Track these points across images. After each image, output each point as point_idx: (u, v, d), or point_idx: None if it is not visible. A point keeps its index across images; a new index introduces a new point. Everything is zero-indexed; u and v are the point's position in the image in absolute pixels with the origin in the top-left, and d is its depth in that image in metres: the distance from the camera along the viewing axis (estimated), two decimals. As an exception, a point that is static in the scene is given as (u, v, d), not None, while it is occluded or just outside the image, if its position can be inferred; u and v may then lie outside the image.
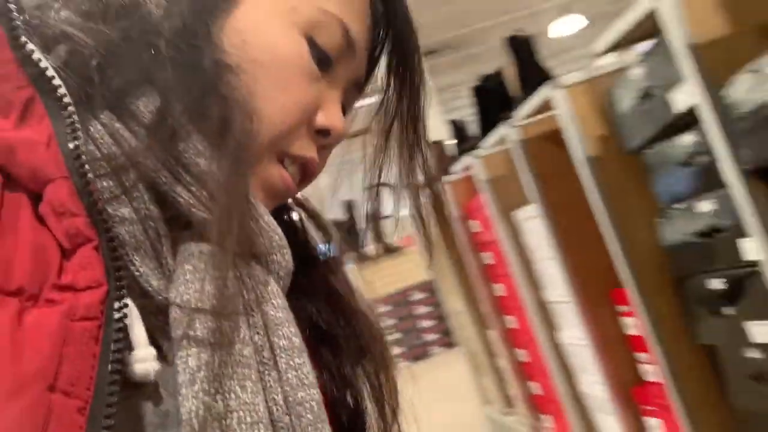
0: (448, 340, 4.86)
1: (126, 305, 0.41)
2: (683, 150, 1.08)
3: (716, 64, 0.92)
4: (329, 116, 0.56)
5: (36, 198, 0.42)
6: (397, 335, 5.22)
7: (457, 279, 2.38)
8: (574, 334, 1.66)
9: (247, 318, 0.45)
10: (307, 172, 0.57)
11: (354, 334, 0.61)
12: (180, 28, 0.48)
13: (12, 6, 0.45)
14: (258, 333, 0.45)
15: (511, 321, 2.07)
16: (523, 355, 2.07)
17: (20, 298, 0.38)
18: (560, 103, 1.27)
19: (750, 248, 0.96)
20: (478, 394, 2.62)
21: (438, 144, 2.45)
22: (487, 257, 2.08)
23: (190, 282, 0.44)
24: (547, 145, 1.48)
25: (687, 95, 0.97)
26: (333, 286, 0.62)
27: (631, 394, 1.50)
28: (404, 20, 0.62)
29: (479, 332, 2.40)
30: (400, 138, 0.62)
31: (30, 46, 0.44)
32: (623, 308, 1.46)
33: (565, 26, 5.75)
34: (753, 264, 0.96)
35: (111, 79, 0.47)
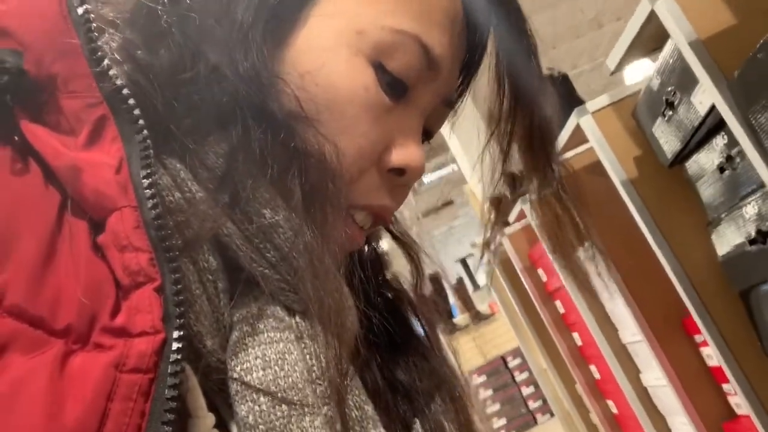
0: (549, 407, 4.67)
1: (183, 359, 0.37)
2: (718, 153, 1.01)
3: (727, 57, 0.87)
4: (405, 153, 0.49)
5: (95, 226, 0.39)
6: (496, 406, 5.03)
7: (536, 334, 2.29)
8: (655, 375, 1.55)
9: (314, 387, 0.41)
10: (378, 219, 0.51)
11: (435, 384, 0.55)
12: (242, 66, 0.43)
13: (91, 16, 0.41)
14: (327, 404, 0.41)
15: (594, 371, 1.96)
16: (612, 406, 1.94)
17: (66, 340, 0.35)
18: (589, 129, 1.23)
19: (802, 246, 0.88)
20: (579, 457, 2.47)
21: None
22: (559, 306, 1.99)
23: (254, 354, 0.40)
24: (592, 178, 1.43)
25: (706, 95, 0.91)
26: (412, 333, 0.57)
27: (724, 431, 1.38)
28: (514, 17, 0.52)
29: (567, 389, 2.29)
30: (526, 154, 0.55)
31: (107, 61, 0.41)
32: (699, 338, 1.36)
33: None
34: (809, 263, 0.88)
35: (177, 120, 0.43)
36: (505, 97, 0.53)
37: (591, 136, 1.23)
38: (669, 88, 1.02)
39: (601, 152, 1.23)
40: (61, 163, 0.39)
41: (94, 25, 0.41)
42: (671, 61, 0.98)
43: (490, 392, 5.03)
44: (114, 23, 0.45)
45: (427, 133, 0.55)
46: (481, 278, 5.64)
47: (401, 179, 0.50)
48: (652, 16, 0.92)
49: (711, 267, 1.14)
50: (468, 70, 0.55)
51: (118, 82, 0.40)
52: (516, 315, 2.43)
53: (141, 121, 0.40)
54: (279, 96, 0.44)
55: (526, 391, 5.05)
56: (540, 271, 2.02)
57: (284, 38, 0.46)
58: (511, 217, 1.98)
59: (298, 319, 0.43)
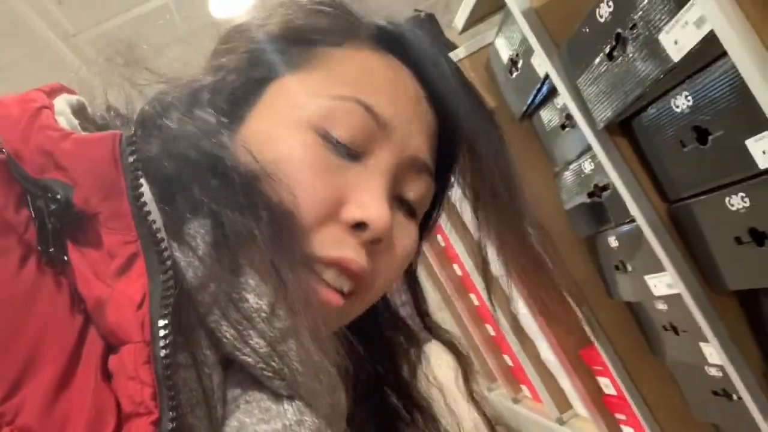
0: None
1: None
2: (559, 112, 1.06)
3: (559, 26, 0.90)
4: (361, 205, 0.50)
5: (109, 347, 0.42)
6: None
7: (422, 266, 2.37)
8: (522, 305, 1.64)
9: None
10: (350, 275, 0.51)
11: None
12: (193, 155, 0.47)
13: (139, 165, 0.45)
14: None
15: (474, 299, 2.06)
16: (490, 329, 2.06)
17: None
18: (446, 82, 1.25)
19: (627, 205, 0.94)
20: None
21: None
22: (440, 240, 2.06)
23: None
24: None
25: (541, 60, 0.95)
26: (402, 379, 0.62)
27: (581, 356, 1.49)
28: (470, 103, 0.57)
29: (452, 314, 2.39)
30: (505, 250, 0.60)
31: (148, 207, 0.44)
32: (557, 273, 1.45)
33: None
34: (633, 219, 0.94)
35: (175, 207, 0.46)
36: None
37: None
38: (511, 49, 1.04)
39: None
40: (89, 292, 0.43)
41: (141, 173, 0.45)
42: (511, 24, 1.00)
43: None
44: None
45: (411, 209, 0.57)
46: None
47: (365, 235, 0.51)
48: (491, -18, 0.93)
49: (559, 213, 1.21)
50: (446, 147, 0.59)
51: (155, 226, 0.44)
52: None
53: (168, 263, 0.43)
54: (238, 161, 0.48)
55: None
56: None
57: (233, 127, 0.51)
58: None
59: (286, 405, 0.45)
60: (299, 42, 0.54)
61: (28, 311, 0.40)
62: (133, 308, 0.41)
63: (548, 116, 1.09)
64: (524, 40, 0.97)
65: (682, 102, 0.74)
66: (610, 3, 0.75)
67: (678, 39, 0.67)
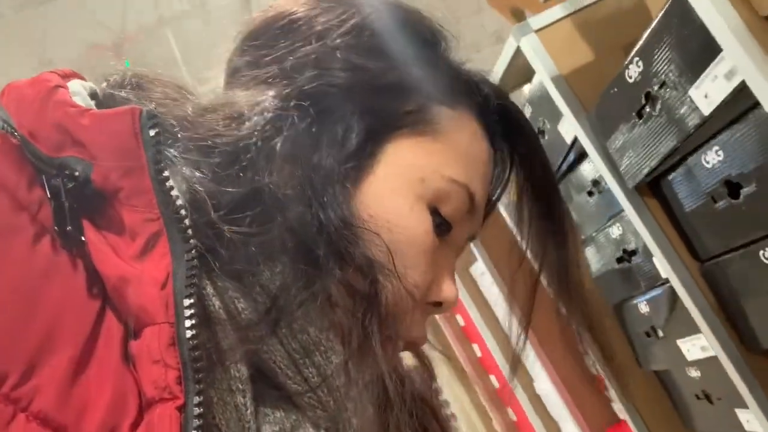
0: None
1: None
2: (586, 178, 1.08)
3: (587, 91, 0.93)
4: (444, 289, 0.53)
5: (128, 330, 0.40)
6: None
7: (438, 343, 2.34)
8: (547, 382, 1.62)
9: None
10: (409, 347, 0.54)
11: None
12: (308, 201, 0.46)
13: (161, 138, 0.43)
14: None
15: (493, 379, 2.02)
16: (510, 413, 2.01)
17: None
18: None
19: (659, 266, 0.94)
20: (483, 461, 2.53)
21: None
22: (459, 320, 2.05)
23: None
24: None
25: (569, 126, 0.97)
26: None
27: (608, 435, 1.45)
28: (539, 163, 0.60)
29: (471, 397, 2.35)
30: (555, 292, 0.61)
31: (170, 182, 0.43)
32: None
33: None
34: (666, 281, 0.94)
35: (234, 243, 0.44)
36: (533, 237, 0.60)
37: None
38: (539, 117, 1.08)
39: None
40: (109, 271, 0.41)
41: (163, 147, 0.43)
42: (539, 92, 1.04)
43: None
44: (187, 146, 0.47)
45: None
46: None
47: (436, 310, 0.53)
48: (519, 53, 0.97)
49: (588, 282, 1.21)
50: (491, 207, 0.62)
51: (178, 202, 0.42)
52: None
53: (192, 241, 0.42)
54: (354, 239, 0.46)
55: (439, 398, 5.12)
56: (439, 286, 2.08)
57: (356, 183, 0.49)
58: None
59: None
60: (420, 94, 0.52)
61: (42, 292, 0.39)
62: (156, 288, 0.40)
63: (575, 183, 1.11)
64: (552, 106, 1.00)
65: (712, 157, 0.76)
66: (639, 63, 0.78)
67: (708, 93, 0.69)
